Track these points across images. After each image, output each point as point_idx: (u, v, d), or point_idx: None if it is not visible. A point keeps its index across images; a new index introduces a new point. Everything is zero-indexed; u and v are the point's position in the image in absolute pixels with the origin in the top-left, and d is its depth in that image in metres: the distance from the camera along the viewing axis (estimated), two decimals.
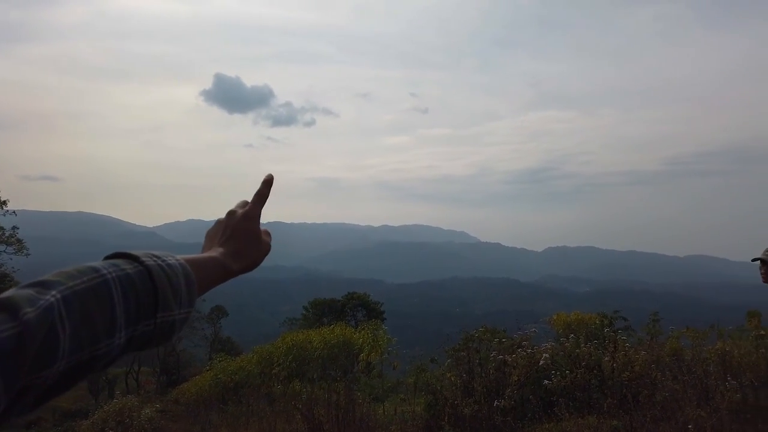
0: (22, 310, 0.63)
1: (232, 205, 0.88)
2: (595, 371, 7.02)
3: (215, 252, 0.82)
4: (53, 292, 0.65)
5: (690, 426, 5.03)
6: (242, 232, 0.85)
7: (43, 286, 0.65)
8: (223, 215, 0.85)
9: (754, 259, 4.06)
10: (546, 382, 6.55)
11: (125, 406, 10.17)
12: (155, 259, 0.70)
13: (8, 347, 0.61)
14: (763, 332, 7.95)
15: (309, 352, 11.59)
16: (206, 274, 0.77)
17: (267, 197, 0.88)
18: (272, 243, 0.96)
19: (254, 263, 0.87)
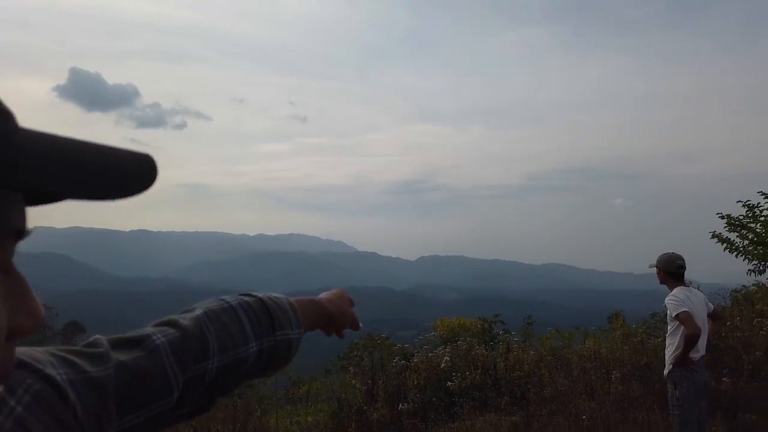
0: (180, 322, 0.78)
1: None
2: (490, 371, 7.44)
3: (314, 296, 1.06)
4: (198, 311, 0.83)
5: (584, 417, 5.49)
6: (339, 295, 1.10)
7: (189, 310, 0.84)
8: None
9: (651, 266, 4.60)
10: (449, 383, 6.80)
11: None
12: (266, 293, 0.93)
13: (177, 343, 0.75)
14: (628, 331, 8.90)
15: None
16: (306, 308, 0.98)
17: (350, 318, 1.11)
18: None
19: (342, 312, 1.07)
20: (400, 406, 6.65)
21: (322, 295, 1.08)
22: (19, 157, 0.41)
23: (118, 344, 0.71)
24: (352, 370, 7.60)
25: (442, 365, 7.19)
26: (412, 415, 6.57)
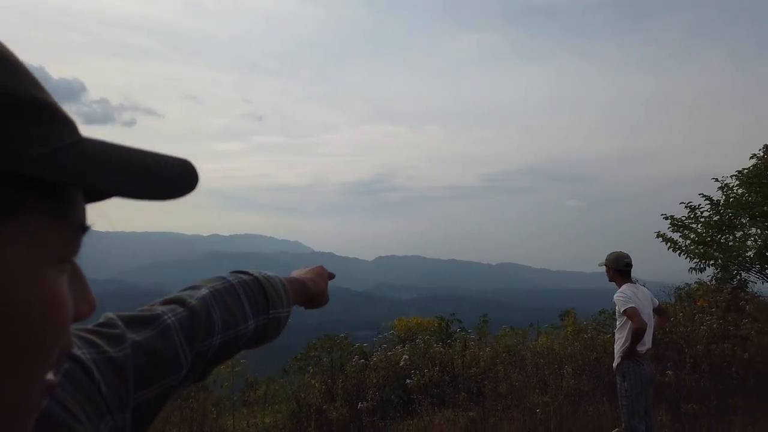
0: (188, 301, 0.82)
1: None
2: (447, 369, 7.58)
3: (297, 275, 1.13)
4: (203, 290, 0.87)
5: (538, 410, 5.68)
6: (318, 272, 1.16)
7: (194, 288, 0.88)
8: None
9: (601, 264, 4.81)
10: (408, 381, 6.90)
11: None
12: (260, 272, 0.99)
13: (186, 322, 0.79)
14: (579, 328, 9.21)
15: None
16: (294, 287, 1.05)
17: (324, 300, 1.18)
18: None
19: (321, 292, 1.14)
20: (359, 405, 6.69)
21: (305, 273, 1.14)
22: (89, 163, 0.45)
23: (131, 323, 0.74)
24: (311, 370, 7.59)
25: (401, 363, 7.28)
26: (371, 413, 6.63)
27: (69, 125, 0.46)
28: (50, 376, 0.47)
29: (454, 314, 13.63)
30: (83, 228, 0.48)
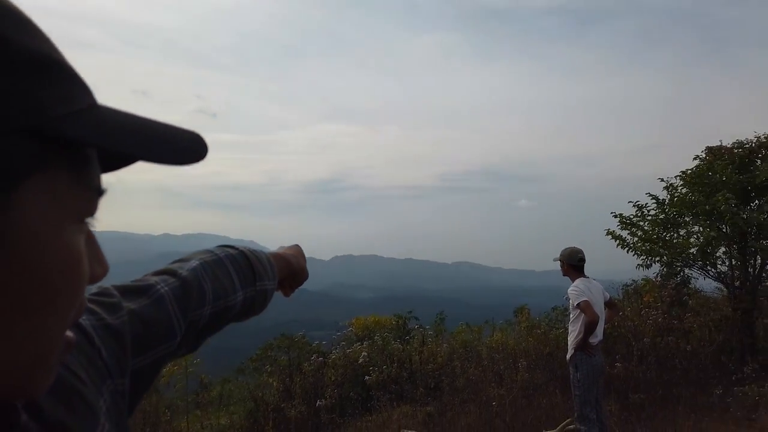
0: (179, 272, 0.84)
1: None
2: (405, 365, 7.65)
3: (281, 251, 1.14)
4: (193, 261, 0.89)
5: (494, 403, 5.80)
6: (297, 251, 1.18)
7: (184, 261, 0.90)
8: None
9: (555, 259, 4.95)
10: (367, 378, 6.93)
11: None
12: (245, 247, 1.01)
13: (179, 292, 0.80)
14: (533, 323, 9.44)
15: None
16: (279, 262, 1.07)
17: (305, 277, 1.20)
18: None
19: (302, 268, 1.15)
20: (317, 403, 6.68)
21: (287, 250, 1.16)
22: (107, 125, 0.46)
23: (126, 292, 0.75)
24: (268, 369, 7.52)
25: (360, 361, 7.30)
26: (330, 411, 6.62)
27: (85, 89, 0.47)
28: (69, 333, 0.48)
29: (411, 312, 13.73)
30: (99, 191, 0.50)
